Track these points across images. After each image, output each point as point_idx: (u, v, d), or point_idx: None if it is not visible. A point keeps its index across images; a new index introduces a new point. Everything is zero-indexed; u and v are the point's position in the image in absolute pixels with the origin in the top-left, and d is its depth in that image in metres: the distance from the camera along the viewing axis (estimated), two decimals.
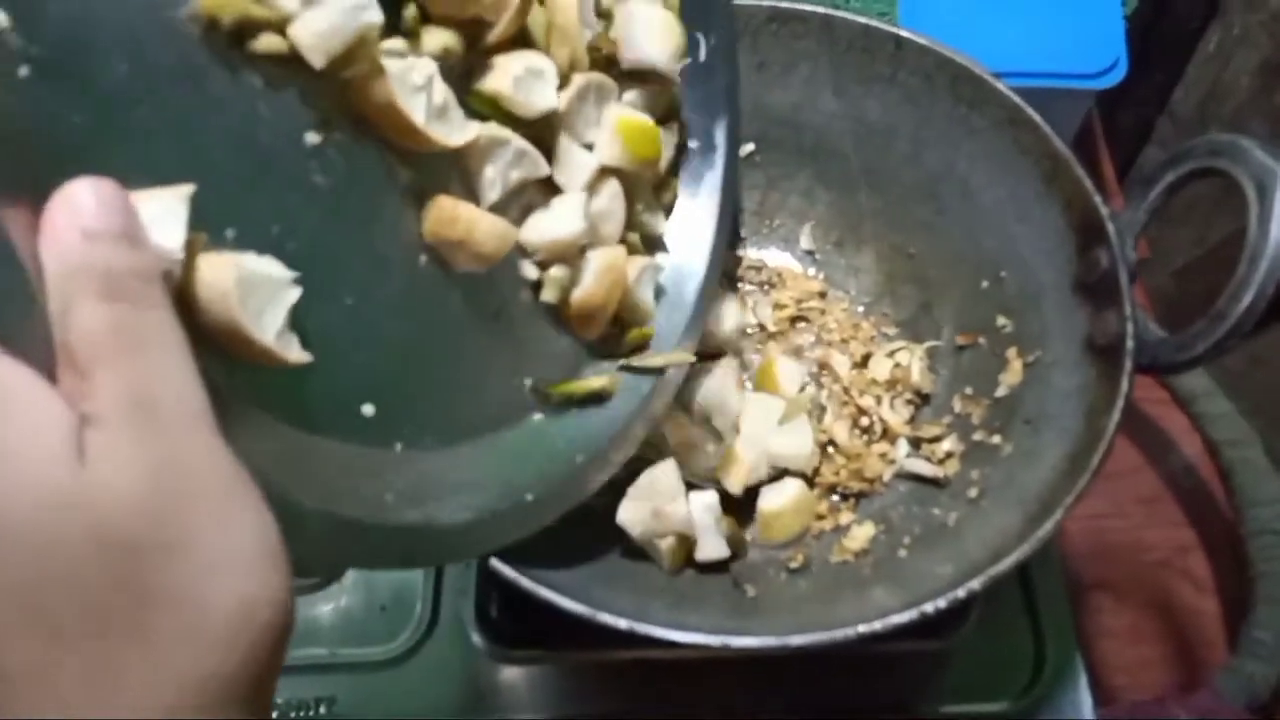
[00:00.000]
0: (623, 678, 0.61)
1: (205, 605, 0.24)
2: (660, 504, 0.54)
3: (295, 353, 0.32)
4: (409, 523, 0.38)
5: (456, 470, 0.42)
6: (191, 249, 0.29)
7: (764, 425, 0.59)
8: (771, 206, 0.70)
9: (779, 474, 0.59)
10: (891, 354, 0.62)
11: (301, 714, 0.59)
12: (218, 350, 0.30)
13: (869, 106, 0.64)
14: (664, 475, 0.55)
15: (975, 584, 0.45)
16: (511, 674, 0.61)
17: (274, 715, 0.59)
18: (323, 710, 0.59)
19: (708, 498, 0.56)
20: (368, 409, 0.37)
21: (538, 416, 0.48)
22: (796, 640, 0.44)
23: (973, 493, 0.55)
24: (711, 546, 0.55)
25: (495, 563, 0.46)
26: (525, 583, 0.46)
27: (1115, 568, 0.79)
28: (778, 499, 0.58)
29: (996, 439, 0.56)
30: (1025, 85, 0.74)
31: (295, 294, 0.32)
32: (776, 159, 0.67)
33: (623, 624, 0.45)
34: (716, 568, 0.56)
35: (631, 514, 0.54)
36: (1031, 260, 0.58)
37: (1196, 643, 0.79)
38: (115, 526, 0.23)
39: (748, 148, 0.66)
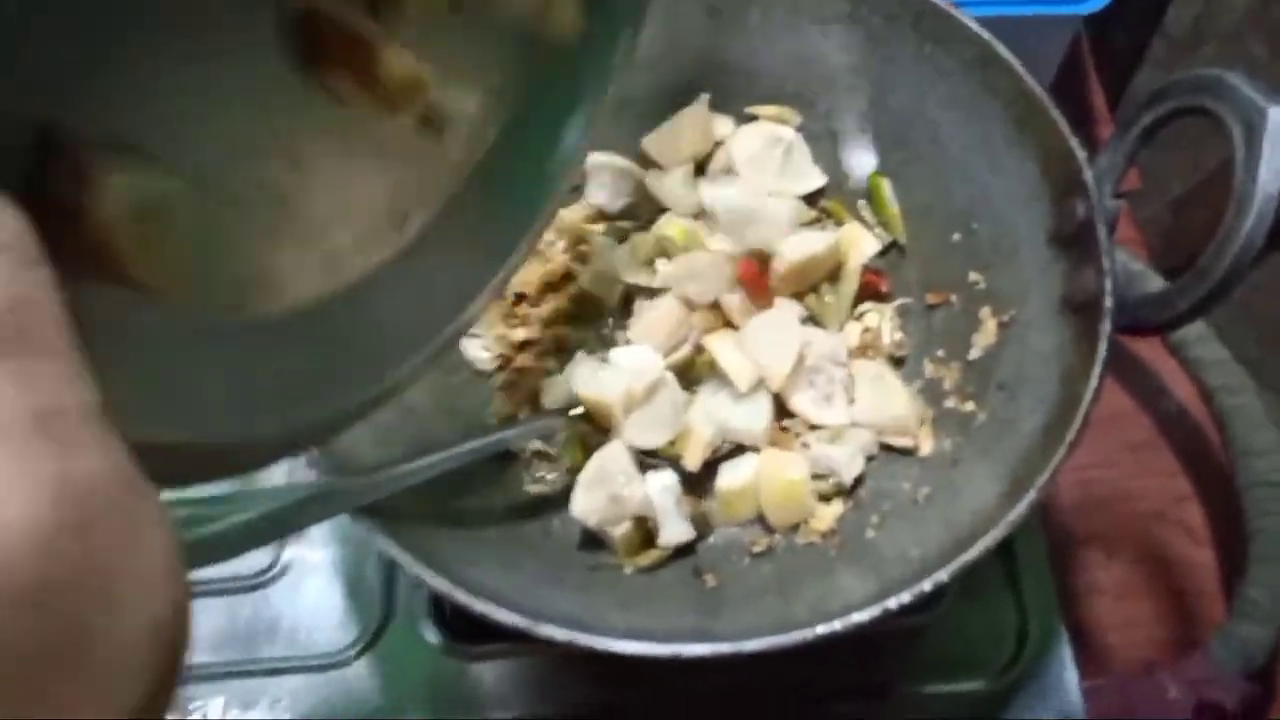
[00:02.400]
0: (590, 669, 0.58)
1: (121, 644, 0.21)
2: (615, 489, 0.51)
3: None
4: None
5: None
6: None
7: (720, 396, 0.55)
8: None
9: (736, 449, 0.55)
10: (859, 315, 0.58)
11: (249, 715, 0.56)
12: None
13: (829, 49, 0.60)
14: (615, 457, 0.52)
15: (943, 574, 0.42)
16: (472, 670, 0.58)
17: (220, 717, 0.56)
18: (272, 711, 0.56)
19: (665, 478, 0.53)
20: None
21: None
22: (751, 646, 0.41)
23: (945, 465, 0.52)
24: (674, 530, 0.52)
25: (428, 578, 0.43)
26: (459, 595, 0.42)
27: (1104, 520, 0.76)
28: (737, 475, 0.54)
29: (970, 405, 0.53)
30: (1003, 14, 0.69)
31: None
32: (734, 110, 0.63)
33: (561, 636, 0.42)
34: (675, 555, 0.53)
35: (585, 503, 0.51)
36: (1005, 211, 0.54)
37: (1193, 597, 0.76)
38: (13, 569, 0.19)
39: (703, 99, 0.62)
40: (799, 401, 0.54)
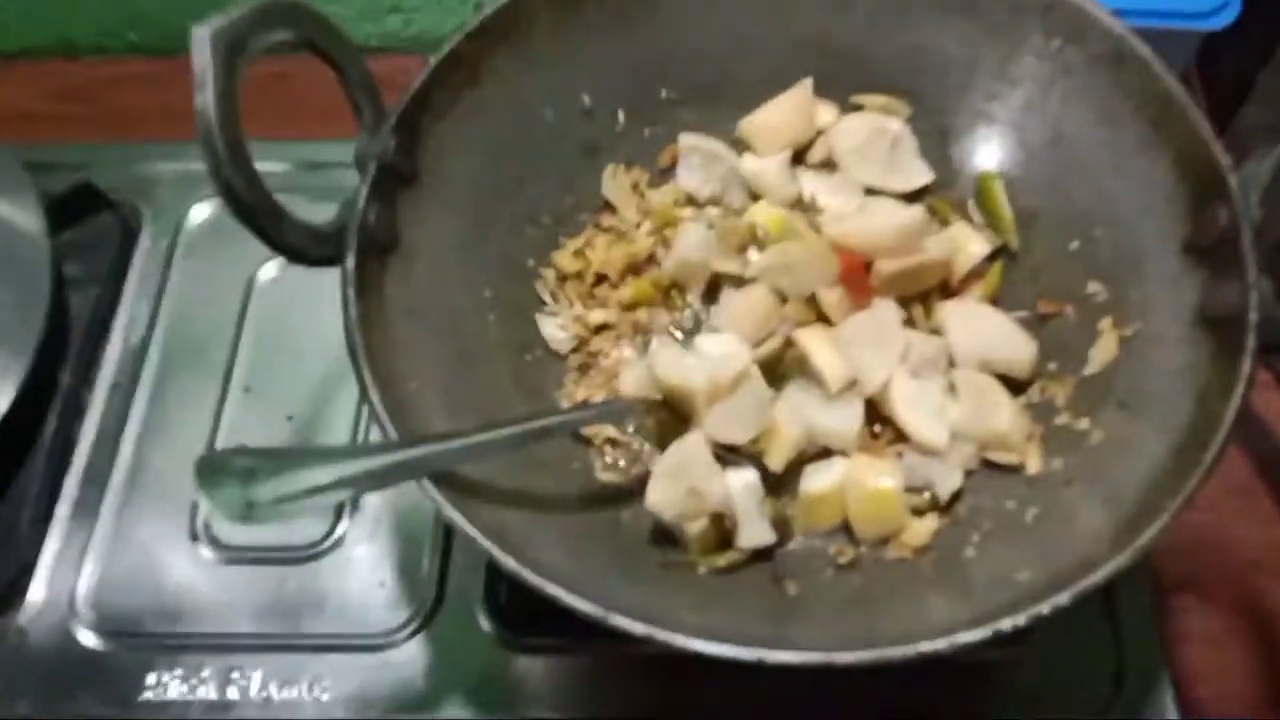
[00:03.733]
0: (649, 674, 0.55)
1: None
2: (695, 482, 0.48)
3: None
4: None
5: None
6: None
7: (809, 395, 0.51)
8: None
9: (822, 452, 0.52)
10: None
11: (286, 695, 0.53)
12: None
13: (945, 40, 0.56)
14: (695, 449, 0.48)
15: (1063, 598, 0.38)
16: (524, 664, 0.55)
17: (257, 692, 0.54)
18: (311, 692, 0.54)
19: (747, 475, 0.49)
20: None
21: None
22: (844, 658, 0.37)
23: (1055, 485, 0.48)
24: (754, 532, 0.49)
25: (498, 555, 0.40)
26: (529, 576, 0.39)
27: (1201, 566, 0.71)
28: (823, 480, 0.51)
29: (1084, 423, 0.49)
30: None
31: None
32: (839, 97, 0.60)
33: (639, 629, 0.38)
34: (752, 559, 0.49)
35: (662, 494, 0.48)
36: (1132, 218, 0.50)
37: None
38: None
39: (806, 83, 0.58)
40: (896, 409, 0.51)
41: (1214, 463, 0.40)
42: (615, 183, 0.60)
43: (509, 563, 0.40)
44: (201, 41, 0.40)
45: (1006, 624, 0.38)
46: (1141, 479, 0.43)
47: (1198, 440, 0.41)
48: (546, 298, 0.58)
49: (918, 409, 0.50)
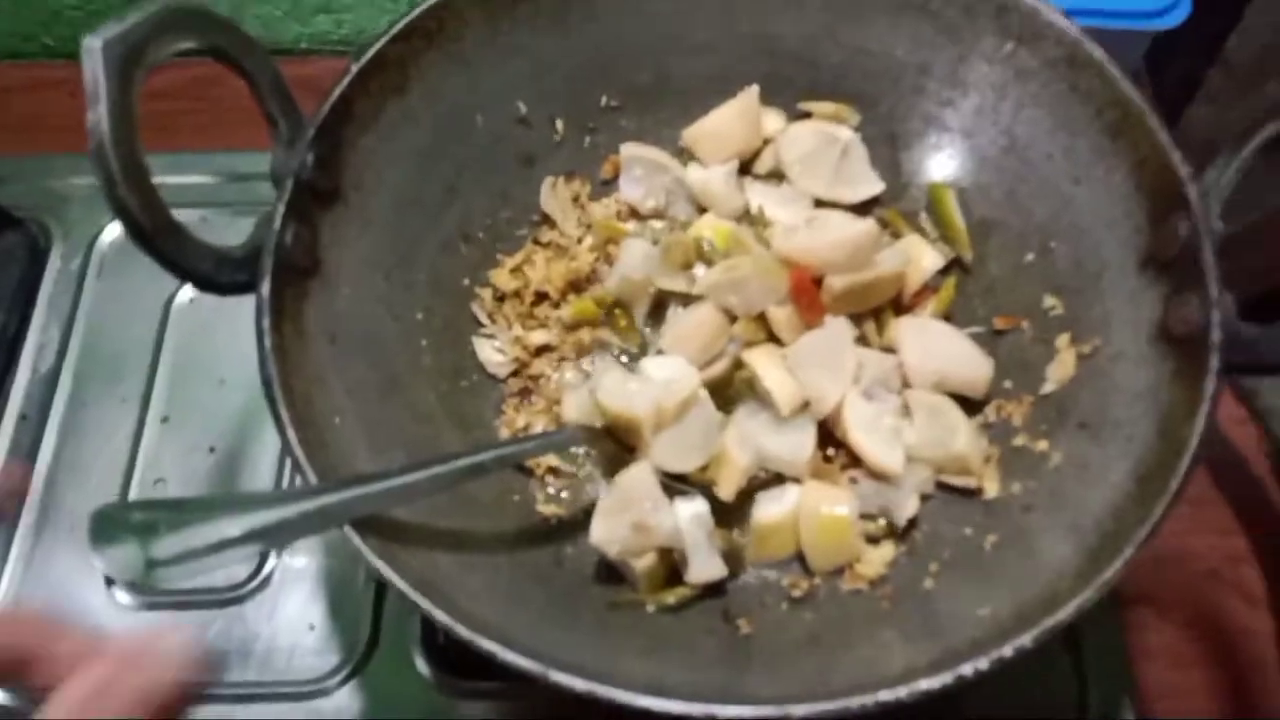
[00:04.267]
0: (591, 715, 0.52)
1: None
2: (640, 516, 0.45)
3: None
4: None
5: None
6: None
7: (760, 419, 0.49)
8: None
9: (774, 478, 0.49)
10: None
11: None
12: None
13: (896, 42, 0.54)
14: (640, 480, 0.46)
15: (1025, 640, 0.36)
16: (464, 708, 0.52)
17: None
18: None
19: (696, 506, 0.47)
20: None
21: None
22: (799, 711, 0.35)
23: (1014, 511, 0.46)
24: (704, 566, 0.46)
25: (428, 609, 0.37)
26: (462, 631, 0.36)
27: (1159, 579, 0.70)
28: (775, 509, 0.48)
29: (1043, 444, 0.47)
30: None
31: None
32: (786, 104, 0.57)
33: (580, 685, 0.36)
34: (703, 594, 0.47)
35: (607, 531, 0.45)
36: (1090, 229, 0.49)
37: (1247, 665, 0.70)
38: None
39: (752, 89, 0.56)
40: (850, 432, 0.48)
41: (1179, 490, 0.38)
42: (555, 195, 0.57)
43: (440, 617, 0.37)
44: (93, 53, 0.37)
45: (968, 669, 0.35)
46: (1105, 506, 0.41)
47: (1162, 465, 0.39)
48: (483, 319, 0.55)
49: (872, 432, 0.48)
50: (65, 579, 0.55)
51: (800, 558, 0.48)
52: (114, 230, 0.66)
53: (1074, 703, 0.52)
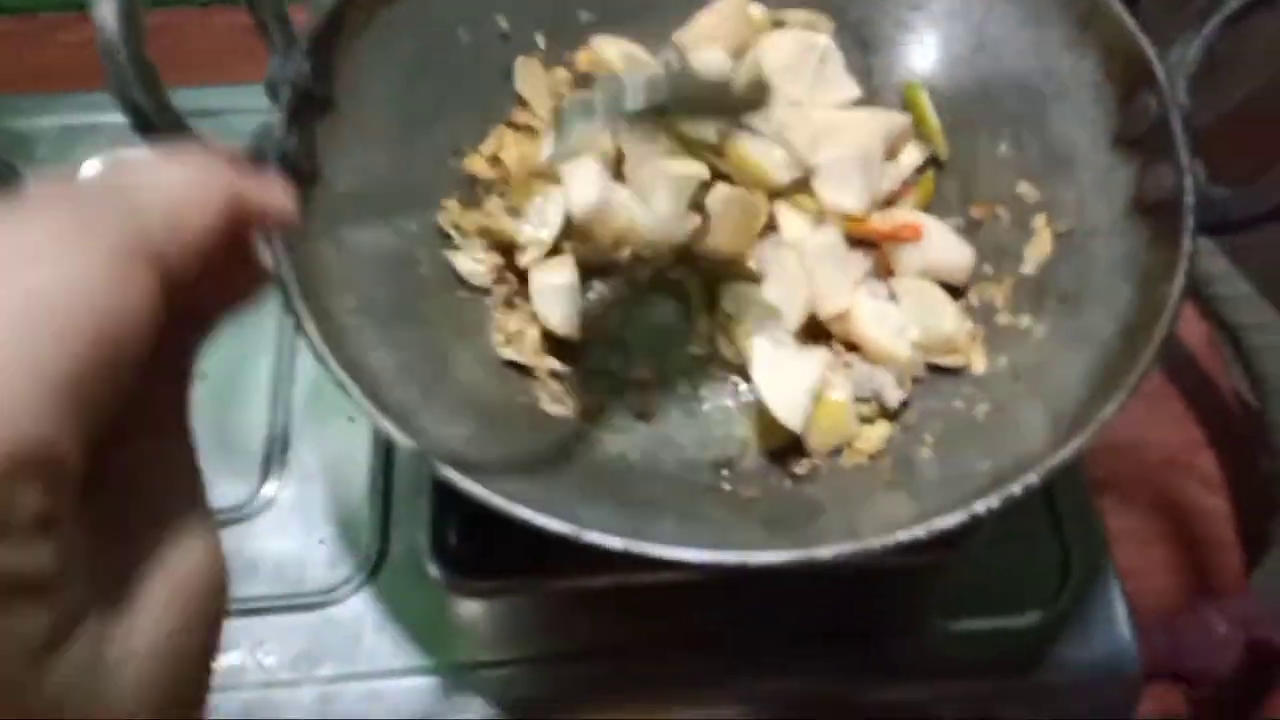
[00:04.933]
0: (598, 607, 0.54)
1: None
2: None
3: None
4: None
5: None
6: None
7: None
8: None
9: None
10: None
11: (227, 661, 0.50)
12: None
13: None
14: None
15: (1033, 477, 0.38)
16: (475, 610, 0.53)
17: None
18: (254, 656, 0.51)
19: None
20: None
21: None
22: (824, 553, 0.37)
23: (1003, 381, 0.48)
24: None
25: (462, 481, 0.38)
26: (498, 500, 0.37)
27: (1115, 468, 0.74)
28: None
29: (1026, 320, 0.49)
30: None
31: None
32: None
33: (616, 543, 0.37)
34: (708, 476, 0.48)
35: None
36: (1060, 117, 0.51)
37: (1206, 544, 0.74)
38: None
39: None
40: (862, 327, 0.50)
41: (1165, 339, 0.41)
42: (528, 74, 0.57)
43: (474, 489, 0.38)
44: None
45: (980, 507, 0.37)
46: (1094, 362, 0.43)
47: (1144, 321, 0.42)
48: (450, 231, 0.54)
49: (881, 325, 0.50)
50: None
51: (797, 443, 0.50)
52: (91, 170, 0.65)
53: (1057, 566, 0.54)
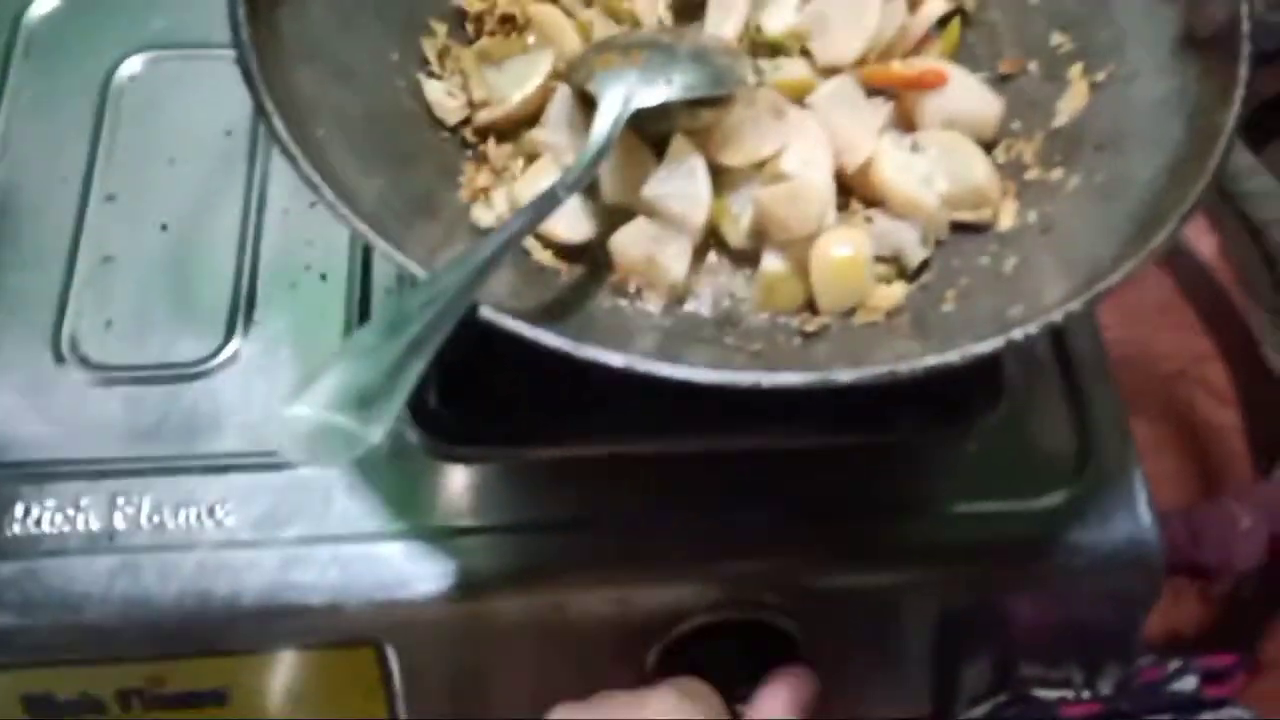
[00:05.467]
0: (584, 477, 0.50)
1: None
2: None
3: None
4: None
5: None
6: None
7: None
8: None
9: None
10: None
11: (182, 520, 0.47)
12: None
13: None
14: None
15: (1076, 305, 0.35)
16: (455, 476, 0.50)
17: (148, 519, 0.47)
18: (212, 515, 0.47)
19: None
20: None
21: None
22: (844, 376, 0.33)
23: (1032, 234, 0.45)
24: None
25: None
26: (509, 323, 0.34)
27: (1126, 379, 0.71)
28: (778, 265, 0.46)
29: (1058, 173, 0.46)
30: None
31: None
32: None
33: (617, 360, 0.34)
34: (710, 332, 0.45)
35: None
36: None
37: (1216, 455, 0.72)
38: None
39: None
40: (886, 177, 0.46)
41: (1218, 168, 0.37)
42: None
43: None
44: None
45: (1018, 334, 0.34)
46: (1138, 203, 0.40)
47: (1196, 151, 0.39)
48: (431, 58, 0.50)
49: (907, 174, 0.46)
50: (12, 360, 0.51)
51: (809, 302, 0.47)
52: (45, 4, 0.60)
53: (1074, 450, 0.51)
